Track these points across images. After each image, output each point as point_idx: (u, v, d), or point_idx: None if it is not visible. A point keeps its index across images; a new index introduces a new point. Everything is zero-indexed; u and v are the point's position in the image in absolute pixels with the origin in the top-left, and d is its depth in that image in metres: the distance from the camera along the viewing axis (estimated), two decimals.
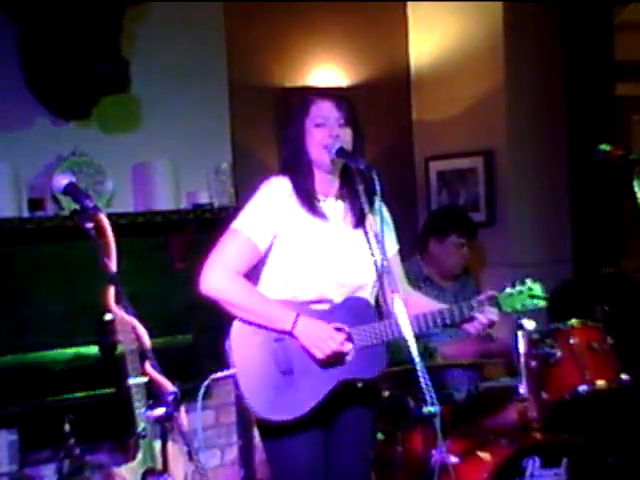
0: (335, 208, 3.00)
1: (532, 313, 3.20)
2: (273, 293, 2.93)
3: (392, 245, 3.10)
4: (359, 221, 2.99)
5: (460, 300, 4.32)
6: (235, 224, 2.92)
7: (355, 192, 2.94)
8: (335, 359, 2.85)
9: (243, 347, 2.84)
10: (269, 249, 2.92)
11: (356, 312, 2.93)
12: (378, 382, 3.11)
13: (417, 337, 2.68)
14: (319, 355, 2.82)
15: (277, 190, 2.91)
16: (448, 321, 2.95)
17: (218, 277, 2.85)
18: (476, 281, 4.75)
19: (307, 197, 2.92)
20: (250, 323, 2.85)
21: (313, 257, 2.90)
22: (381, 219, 2.77)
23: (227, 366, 2.86)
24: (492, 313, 2.96)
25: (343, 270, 2.94)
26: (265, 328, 2.84)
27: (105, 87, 4.28)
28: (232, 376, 2.83)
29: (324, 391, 2.86)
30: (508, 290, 2.96)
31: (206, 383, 2.83)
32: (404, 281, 3.16)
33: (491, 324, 2.97)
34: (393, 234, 3.13)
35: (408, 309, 2.74)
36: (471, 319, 2.96)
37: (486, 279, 4.70)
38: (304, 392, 2.83)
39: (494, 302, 2.95)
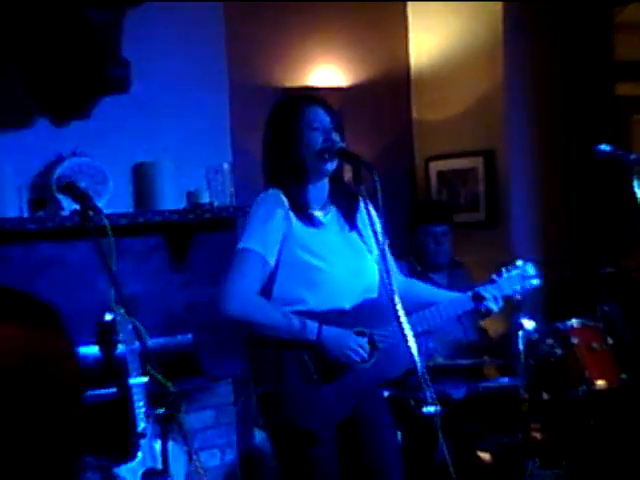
0: (328, 214, 3.00)
1: (532, 313, 3.21)
2: (288, 308, 2.90)
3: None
4: (352, 222, 3.00)
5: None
6: (244, 244, 2.88)
7: (342, 194, 2.99)
8: (361, 364, 2.86)
9: (273, 359, 2.85)
10: (277, 263, 2.90)
11: (374, 313, 2.93)
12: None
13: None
14: (347, 362, 2.84)
15: (276, 203, 2.90)
16: (460, 311, 3.09)
17: (239, 302, 2.83)
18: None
19: (301, 208, 2.92)
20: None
21: (321, 267, 2.89)
22: (370, 218, 2.83)
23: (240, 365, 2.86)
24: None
25: (350, 274, 2.94)
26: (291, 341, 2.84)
27: (105, 87, 4.28)
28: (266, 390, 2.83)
29: (351, 398, 2.89)
30: (505, 274, 3.15)
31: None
32: (398, 273, 3.17)
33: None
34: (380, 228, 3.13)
35: (412, 297, 2.92)
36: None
37: (486, 279, 4.68)
38: (333, 399, 2.85)
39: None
